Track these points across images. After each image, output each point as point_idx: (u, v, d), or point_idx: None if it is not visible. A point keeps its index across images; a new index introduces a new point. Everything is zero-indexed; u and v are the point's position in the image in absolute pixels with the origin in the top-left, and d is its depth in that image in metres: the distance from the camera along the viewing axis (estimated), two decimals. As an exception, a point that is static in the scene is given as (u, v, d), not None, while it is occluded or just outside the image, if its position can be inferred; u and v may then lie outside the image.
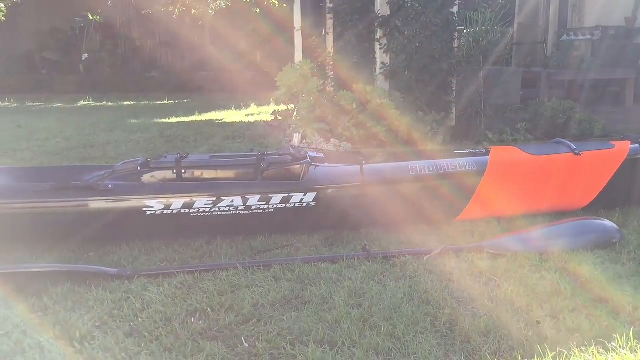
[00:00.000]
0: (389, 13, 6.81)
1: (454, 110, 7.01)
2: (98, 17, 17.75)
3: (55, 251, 3.35)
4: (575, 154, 3.83)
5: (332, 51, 8.96)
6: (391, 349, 2.28)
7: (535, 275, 2.96)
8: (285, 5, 16.48)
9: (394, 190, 3.70)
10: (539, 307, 2.61)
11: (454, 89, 6.92)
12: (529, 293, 2.75)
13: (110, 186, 3.42)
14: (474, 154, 3.99)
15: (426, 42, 6.54)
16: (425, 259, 3.18)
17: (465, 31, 7.34)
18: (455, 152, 4.30)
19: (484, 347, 2.29)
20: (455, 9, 6.79)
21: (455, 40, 6.88)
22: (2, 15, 17.04)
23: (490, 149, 4.10)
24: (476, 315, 2.54)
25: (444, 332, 2.41)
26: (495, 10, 7.52)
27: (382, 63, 6.93)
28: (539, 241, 3.34)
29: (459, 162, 3.77)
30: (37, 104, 13.57)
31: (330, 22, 8.84)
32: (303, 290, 2.81)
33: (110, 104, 13.62)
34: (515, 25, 10.52)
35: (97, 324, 2.51)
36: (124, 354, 2.26)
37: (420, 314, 2.54)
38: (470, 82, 6.85)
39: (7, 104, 13.26)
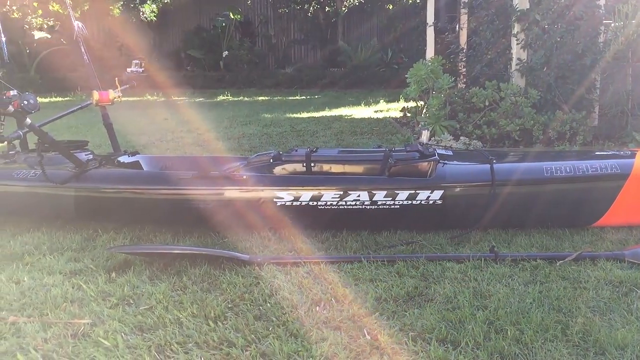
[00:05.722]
0: (528, 7, 6.52)
1: (596, 110, 6.57)
2: (238, 16, 18.66)
3: (194, 235, 3.60)
4: None
5: (465, 47, 8.75)
6: (517, 355, 2.20)
7: (683, 290, 2.71)
8: (418, 2, 16.34)
9: (527, 191, 3.55)
10: (687, 325, 2.40)
11: (598, 86, 6.48)
12: (676, 308, 2.53)
13: (244, 177, 3.60)
14: (618, 156, 3.72)
15: (568, 36, 6.19)
16: (558, 264, 3.02)
17: (612, 25, 6.83)
18: (596, 153, 4.04)
19: (620, 361, 2.15)
20: (602, 1, 6.35)
21: (601, 35, 6.44)
22: (154, 16, 18.49)
23: (637, 151, 3.80)
24: (613, 326, 2.38)
25: (576, 342, 2.28)
26: (649, 1, 6.92)
27: (519, 59, 6.65)
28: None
29: (600, 165, 3.53)
30: (182, 98, 14.57)
31: (464, 17, 8.64)
32: (427, 288, 2.79)
33: (246, 99, 14.31)
34: (673, 18, 9.60)
35: (229, 306, 2.66)
36: (253, 336, 2.38)
37: (551, 320, 2.42)
38: (616, 80, 6.37)
39: (155, 98, 14.37)
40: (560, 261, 3.04)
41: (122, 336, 2.39)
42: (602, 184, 3.52)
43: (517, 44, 6.64)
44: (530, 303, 2.59)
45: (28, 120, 3.57)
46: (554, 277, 2.88)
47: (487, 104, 6.48)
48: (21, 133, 3.67)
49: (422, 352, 2.24)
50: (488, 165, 3.53)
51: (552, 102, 6.43)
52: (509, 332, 2.34)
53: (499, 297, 2.65)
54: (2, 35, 4.25)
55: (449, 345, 2.28)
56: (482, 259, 3.08)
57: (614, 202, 3.51)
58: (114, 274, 3.02)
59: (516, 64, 6.67)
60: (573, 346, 2.26)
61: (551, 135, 6.12)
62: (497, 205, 3.46)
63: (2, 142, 3.86)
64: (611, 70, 6.36)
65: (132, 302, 2.72)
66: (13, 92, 3.67)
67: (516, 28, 6.64)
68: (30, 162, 3.89)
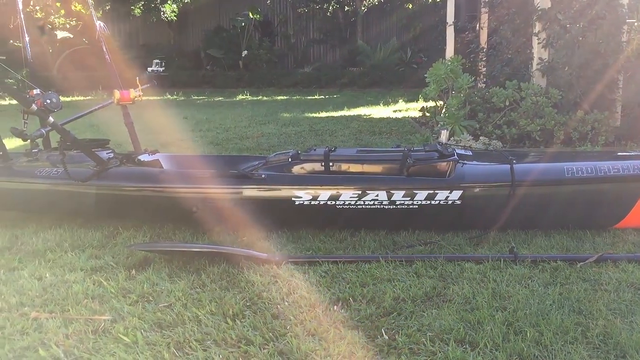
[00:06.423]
0: (549, 5, 6.45)
1: (618, 109, 6.48)
2: (258, 16, 18.73)
3: (212, 233, 3.62)
4: None
5: (485, 46, 8.69)
6: (537, 356, 2.19)
7: None
8: (438, 1, 16.26)
9: (547, 192, 3.52)
10: None
11: (620, 86, 6.39)
12: (699, 312, 2.49)
13: (263, 176, 3.61)
14: (641, 157, 3.67)
15: (590, 35, 6.11)
16: (578, 265, 2.99)
17: (636, 24, 6.74)
18: (619, 154, 3.98)
19: (641, 364, 2.12)
20: (625, 0, 6.26)
21: (624, 34, 6.35)
22: (175, 16, 18.63)
23: (660, 152, 3.75)
24: (634, 329, 2.35)
25: (597, 344, 2.26)
26: (674, -1, 6.81)
27: (540, 58, 6.58)
28: None
29: (622, 165, 3.48)
30: (201, 97, 14.68)
31: (485, 17, 8.58)
32: (445, 289, 2.77)
33: (265, 98, 14.35)
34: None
35: (247, 304, 2.68)
36: (270, 334, 2.39)
37: (571, 322, 2.40)
38: (639, 79, 6.28)
39: (175, 97, 14.49)
40: (581, 263, 3.01)
41: (141, 333, 2.42)
42: (624, 185, 3.47)
43: (538, 43, 6.58)
44: (550, 305, 2.57)
45: (51, 119, 3.62)
46: (575, 278, 2.86)
47: (507, 103, 6.42)
48: (44, 131, 3.72)
49: (440, 352, 2.23)
50: (508, 166, 3.51)
51: (573, 102, 6.36)
52: (528, 334, 2.32)
53: (518, 298, 2.63)
54: (26, 35, 4.31)
55: (467, 346, 2.27)
56: (502, 260, 3.06)
57: (636, 204, 3.46)
58: (134, 271, 3.05)
59: (537, 64, 6.61)
60: (593, 348, 2.24)
61: (572, 136, 6.05)
62: (516, 206, 3.43)
63: (26, 140, 3.92)
64: (634, 69, 6.27)
65: (151, 299, 2.75)
66: (36, 91, 3.73)
67: (537, 27, 6.58)
68: (53, 160, 3.95)
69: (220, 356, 2.25)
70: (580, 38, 6.32)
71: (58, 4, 16.46)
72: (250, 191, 3.61)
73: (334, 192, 3.50)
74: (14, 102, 4.07)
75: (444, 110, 7.05)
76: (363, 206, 3.49)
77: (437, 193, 3.44)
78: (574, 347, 2.23)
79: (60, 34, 16.91)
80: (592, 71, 6.22)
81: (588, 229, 3.51)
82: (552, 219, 3.54)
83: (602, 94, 6.29)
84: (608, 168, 3.46)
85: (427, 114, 8.34)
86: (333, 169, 3.67)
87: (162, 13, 18.80)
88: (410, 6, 19.23)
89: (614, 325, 2.38)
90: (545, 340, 2.28)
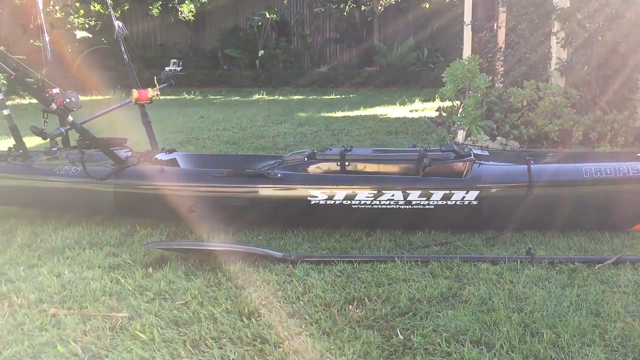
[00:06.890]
0: (568, 5, 6.39)
1: (638, 110, 6.39)
2: (275, 15, 18.78)
3: (228, 232, 3.64)
4: None
5: (503, 46, 8.63)
6: (554, 358, 2.17)
7: None
8: (455, 0, 16.18)
9: (565, 193, 3.48)
10: None
11: (640, 86, 6.30)
12: None
13: (279, 175, 3.62)
14: (661, 158, 3.62)
15: (610, 35, 6.04)
16: (597, 267, 2.96)
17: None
18: (638, 155, 3.93)
19: (660, 368, 2.10)
20: (645, -1, 6.19)
21: (645, 33, 6.27)
22: (192, 16, 18.76)
23: (681, 152, 3.69)
24: (653, 332, 2.33)
25: (615, 347, 2.23)
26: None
27: (558, 58, 6.51)
28: None
29: (642, 166, 3.44)
30: (218, 97, 14.75)
31: (503, 16, 8.51)
32: (461, 289, 2.76)
33: (281, 97, 14.38)
34: None
35: (262, 303, 2.68)
36: (286, 333, 2.39)
37: (588, 325, 2.37)
38: (660, 79, 6.20)
39: (192, 96, 14.58)
40: (599, 264, 2.98)
41: (158, 330, 2.44)
42: (644, 187, 3.43)
43: (557, 42, 6.51)
44: (568, 306, 2.54)
45: (70, 118, 3.66)
46: (592, 280, 2.83)
47: (525, 103, 6.37)
48: (63, 130, 3.77)
49: (455, 353, 2.22)
50: (525, 166, 3.48)
51: (592, 102, 6.29)
52: (545, 336, 2.30)
53: (535, 299, 2.61)
54: (46, 35, 4.37)
55: (483, 347, 2.26)
56: (518, 261, 3.03)
57: (656, 205, 3.42)
58: (150, 269, 3.08)
59: (556, 63, 6.54)
60: (611, 351, 2.21)
61: (591, 136, 5.98)
62: (534, 207, 3.41)
63: (45, 138, 3.97)
64: (655, 69, 6.20)
65: (168, 297, 2.77)
66: (56, 90, 3.78)
67: (556, 26, 6.51)
68: (72, 158, 3.99)
69: (236, 354, 2.26)
70: (599, 37, 6.25)
71: (77, 4, 16.65)
72: (266, 190, 3.62)
73: (349, 191, 3.50)
74: (34, 101, 4.14)
75: (460, 110, 7.01)
76: (379, 206, 3.48)
77: (454, 193, 3.42)
78: (592, 350, 2.21)
79: (80, 34, 17.09)
80: (611, 71, 6.14)
81: (606, 230, 3.48)
82: (570, 220, 3.50)
83: (621, 93, 6.22)
84: (627, 169, 3.42)
85: (444, 114, 8.30)
86: (349, 168, 3.67)
87: (179, 13, 18.95)
88: (427, 5, 19.16)
89: (632, 327, 2.35)
90: (563, 342, 2.26)
